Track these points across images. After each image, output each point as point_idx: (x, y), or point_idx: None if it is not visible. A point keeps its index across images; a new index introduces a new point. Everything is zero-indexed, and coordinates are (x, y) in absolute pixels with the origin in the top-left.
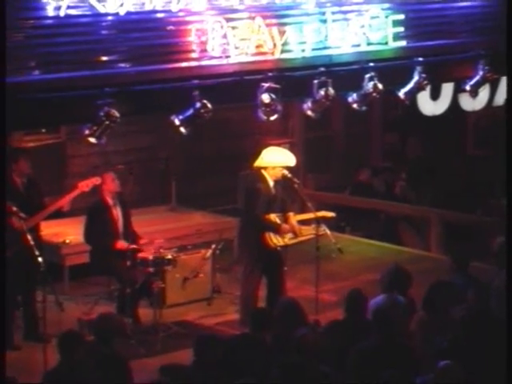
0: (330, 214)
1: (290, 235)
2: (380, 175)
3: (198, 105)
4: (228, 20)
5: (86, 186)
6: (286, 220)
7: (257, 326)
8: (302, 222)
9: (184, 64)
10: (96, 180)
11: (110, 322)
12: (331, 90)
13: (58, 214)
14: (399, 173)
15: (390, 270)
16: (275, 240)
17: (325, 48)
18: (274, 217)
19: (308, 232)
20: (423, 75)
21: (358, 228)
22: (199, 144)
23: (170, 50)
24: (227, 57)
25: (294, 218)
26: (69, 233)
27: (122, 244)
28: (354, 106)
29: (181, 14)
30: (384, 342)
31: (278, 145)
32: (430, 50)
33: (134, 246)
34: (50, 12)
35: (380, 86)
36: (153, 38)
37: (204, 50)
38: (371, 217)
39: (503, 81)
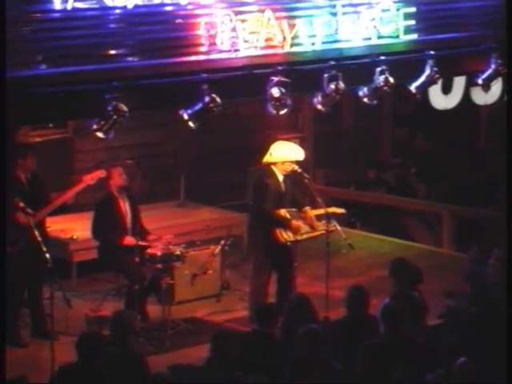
0: (341, 211)
1: (306, 229)
2: (390, 170)
3: (207, 99)
4: (237, 13)
5: (90, 179)
6: (304, 215)
7: (262, 322)
8: None
9: (193, 58)
10: (101, 173)
11: (128, 319)
12: (341, 84)
13: (64, 209)
14: (409, 167)
15: (393, 266)
16: (285, 235)
17: (335, 41)
18: (284, 212)
19: (318, 228)
20: (435, 69)
21: (369, 223)
22: (208, 139)
23: (178, 43)
24: (236, 50)
25: (311, 212)
26: (76, 229)
27: (130, 240)
28: (365, 100)
29: (189, 7)
30: (393, 339)
31: (288, 139)
32: (442, 44)
33: (143, 243)
34: (57, 5)
35: (391, 79)
36: (161, 31)
37: (213, 44)
38: (382, 212)
39: None
